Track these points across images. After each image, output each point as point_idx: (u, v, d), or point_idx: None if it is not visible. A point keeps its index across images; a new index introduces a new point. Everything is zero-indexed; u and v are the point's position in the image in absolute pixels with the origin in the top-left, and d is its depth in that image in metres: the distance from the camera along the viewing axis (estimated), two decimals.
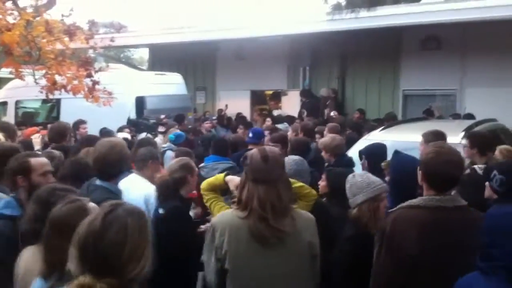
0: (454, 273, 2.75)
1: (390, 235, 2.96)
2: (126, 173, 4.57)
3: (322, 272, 3.22)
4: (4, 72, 11.74)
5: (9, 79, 14.25)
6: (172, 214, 4.08)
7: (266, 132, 8.02)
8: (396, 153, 4.43)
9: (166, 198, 4.22)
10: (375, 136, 7.54)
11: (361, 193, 3.67)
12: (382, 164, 4.92)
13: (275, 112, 16.04)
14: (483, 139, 5.89)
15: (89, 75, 9.06)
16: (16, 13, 8.69)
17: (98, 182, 4.01)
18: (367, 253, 3.18)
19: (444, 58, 13.72)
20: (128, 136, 8.42)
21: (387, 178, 4.82)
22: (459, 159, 3.05)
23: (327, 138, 6.38)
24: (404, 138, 6.67)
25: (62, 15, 8.97)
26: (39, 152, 5.32)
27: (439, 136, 5.55)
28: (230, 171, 5.32)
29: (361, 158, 5.56)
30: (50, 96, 9.44)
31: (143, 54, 31.50)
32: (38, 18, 8.88)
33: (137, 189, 4.58)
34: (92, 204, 2.66)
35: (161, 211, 4.13)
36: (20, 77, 9.05)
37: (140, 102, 12.56)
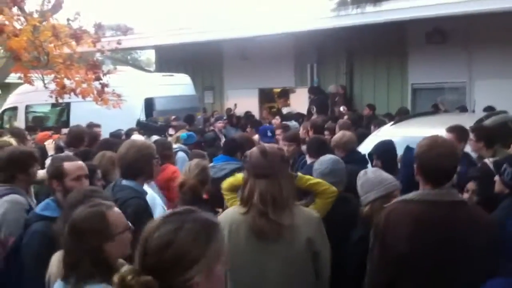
0: (452, 270, 2.76)
1: (383, 229, 2.93)
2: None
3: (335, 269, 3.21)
4: (13, 77, 11.83)
5: (18, 84, 14.35)
6: None
7: (278, 131, 8.01)
8: (408, 148, 4.41)
9: (192, 202, 4.22)
10: (385, 132, 7.52)
11: (373, 191, 3.64)
12: (398, 158, 4.91)
13: (284, 110, 16.03)
14: (490, 132, 5.89)
15: (98, 78, 9.09)
16: (22, 18, 8.73)
17: (123, 182, 4.01)
18: None
19: (450, 51, 13.63)
20: (142, 137, 8.44)
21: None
22: (452, 151, 2.99)
23: (337, 134, 6.35)
24: (415, 133, 6.63)
25: (68, 20, 9.00)
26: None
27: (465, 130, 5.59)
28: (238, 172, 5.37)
29: (371, 160, 5.54)
30: (60, 100, 9.49)
31: (150, 56, 31.56)
32: (44, 23, 8.91)
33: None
34: (116, 210, 2.70)
35: None
36: (29, 82, 9.09)
37: (149, 104, 12.60)
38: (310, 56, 16.11)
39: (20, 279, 3.39)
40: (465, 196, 3.98)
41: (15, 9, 8.95)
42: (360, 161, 5.65)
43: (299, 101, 16.00)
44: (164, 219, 1.89)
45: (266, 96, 18.14)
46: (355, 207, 3.87)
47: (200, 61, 17.73)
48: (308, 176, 3.84)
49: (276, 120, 11.66)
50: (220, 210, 4.04)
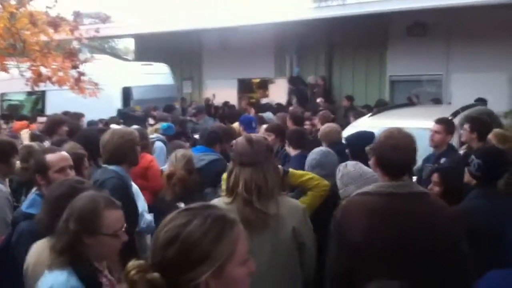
0: (411, 261, 2.73)
1: (340, 222, 2.90)
2: None
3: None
4: None
5: None
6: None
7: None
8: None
9: (183, 193, 4.21)
10: (363, 123, 7.57)
11: (353, 184, 3.62)
12: (367, 148, 4.89)
13: (263, 101, 16.03)
14: (484, 124, 5.94)
15: (75, 67, 9.00)
16: None
17: (109, 167, 4.13)
18: None
19: (430, 44, 13.73)
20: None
21: (370, 162, 4.85)
22: (407, 143, 2.92)
23: (323, 126, 6.33)
24: (392, 124, 6.68)
25: (46, 7, 8.89)
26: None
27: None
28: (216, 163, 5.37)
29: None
30: (36, 88, 9.36)
31: (128, 44, 31.25)
32: (22, 10, 8.79)
33: None
34: (115, 212, 2.62)
35: (182, 205, 4.09)
36: (5, 69, 8.97)
37: (126, 93, 12.52)
38: (289, 47, 16.11)
39: (12, 276, 3.33)
40: (430, 187, 4.05)
41: None
42: (341, 153, 5.67)
43: (278, 92, 16.00)
44: (177, 214, 1.81)
45: (245, 87, 18.10)
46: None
47: (179, 51, 17.62)
48: (300, 172, 3.83)
49: (251, 111, 11.61)
50: None
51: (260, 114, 9.87)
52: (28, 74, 9.00)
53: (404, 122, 6.23)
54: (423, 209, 2.83)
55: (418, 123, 6.07)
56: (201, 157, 5.63)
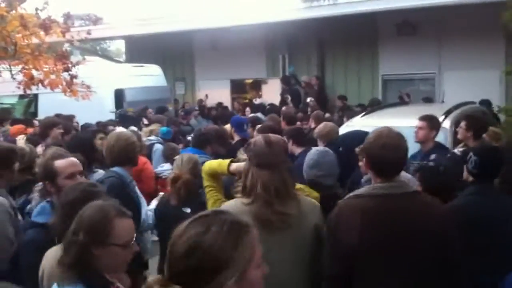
0: (406, 261, 2.73)
1: (335, 224, 2.89)
2: None
3: None
4: None
5: None
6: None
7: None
8: None
9: (187, 197, 4.18)
10: (356, 122, 7.58)
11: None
12: (357, 149, 4.89)
13: (257, 101, 16.02)
14: (480, 123, 5.96)
15: (67, 69, 8.95)
16: None
17: (112, 169, 4.35)
18: None
19: (421, 43, 13.79)
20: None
21: (361, 163, 4.84)
22: (397, 142, 2.89)
23: (320, 125, 6.33)
24: (385, 123, 6.69)
25: (37, 9, 8.84)
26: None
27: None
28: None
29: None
30: (28, 91, 9.32)
31: (120, 46, 31.18)
32: (12, 12, 8.73)
33: None
34: (126, 221, 2.53)
35: (188, 210, 4.08)
36: None
37: (119, 95, 12.47)
38: (281, 47, 16.11)
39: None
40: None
41: None
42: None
43: (271, 92, 16.00)
44: (190, 223, 1.78)
45: (238, 87, 18.10)
46: None
47: (171, 52, 17.59)
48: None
49: (247, 113, 11.63)
50: None
51: (254, 115, 9.86)
52: (20, 77, 8.95)
53: (397, 121, 6.27)
54: (416, 208, 2.83)
55: (411, 122, 6.07)
56: None
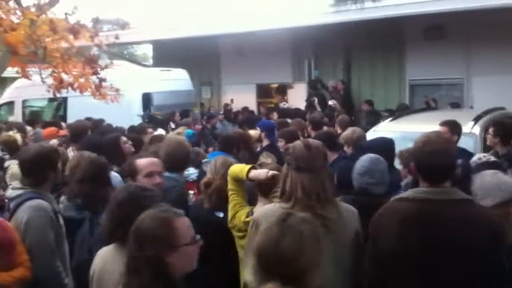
0: (443, 270, 2.67)
1: (375, 228, 2.89)
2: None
3: None
4: (10, 71, 11.76)
5: (14, 79, 14.27)
6: None
7: None
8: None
9: (219, 202, 4.15)
10: (383, 127, 7.51)
11: (489, 196, 3.25)
12: (397, 152, 4.83)
13: (283, 106, 15.98)
14: (507, 129, 5.88)
15: (95, 73, 9.07)
16: (19, 12, 8.69)
17: (167, 174, 4.38)
18: None
19: (448, 47, 13.62)
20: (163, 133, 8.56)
21: (400, 167, 4.77)
22: (445, 148, 2.87)
23: (348, 131, 6.27)
24: (413, 129, 6.63)
25: (66, 14, 8.97)
26: None
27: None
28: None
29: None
30: (58, 95, 9.46)
31: (146, 50, 31.41)
32: (42, 17, 8.88)
33: None
34: (185, 219, 2.50)
35: (221, 214, 4.07)
36: (26, 76, 9.06)
37: (146, 99, 12.57)
38: (307, 51, 16.07)
39: None
40: None
41: (11, 3, 8.92)
42: None
43: (297, 97, 15.97)
44: (280, 228, 1.94)
45: (263, 92, 18.10)
46: None
47: (197, 56, 17.67)
48: None
49: (274, 116, 11.60)
50: None
51: (282, 119, 9.81)
52: (50, 80, 9.09)
53: (425, 127, 6.17)
54: (459, 216, 2.76)
55: (437, 128, 6.00)
56: None
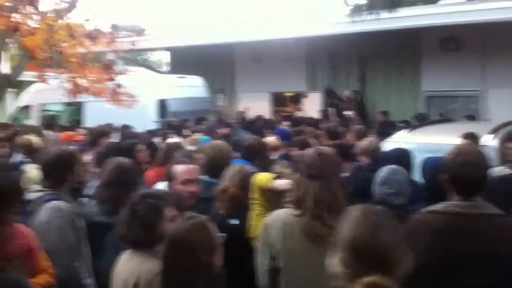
0: (472, 284, 2.64)
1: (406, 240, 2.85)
2: None
3: None
4: (27, 75, 11.87)
5: (31, 82, 14.37)
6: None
7: None
8: (429, 158, 4.30)
9: (236, 209, 4.15)
10: (401, 138, 7.44)
11: None
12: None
13: (298, 114, 15.95)
14: None
15: (111, 78, 9.13)
16: (36, 17, 8.77)
17: (207, 179, 4.46)
18: None
19: (464, 59, 13.56)
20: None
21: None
22: (478, 160, 2.83)
23: (365, 141, 6.22)
24: (431, 140, 6.58)
25: (86, 20, 9.05)
26: None
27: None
28: None
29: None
30: (74, 99, 9.52)
31: (161, 57, 31.63)
32: (59, 21, 8.95)
33: None
34: (210, 222, 2.60)
35: (236, 221, 4.06)
36: (43, 80, 9.14)
37: (162, 105, 12.61)
38: (322, 61, 16.08)
39: None
40: None
41: (29, 8, 9.01)
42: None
43: (311, 106, 15.94)
44: (373, 223, 2.06)
45: (277, 100, 18.10)
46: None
47: (212, 63, 17.72)
48: None
49: (285, 125, 11.53)
50: None
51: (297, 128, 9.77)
52: (67, 85, 9.16)
53: (443, 138, 6.14)
54: (490, 231, 2.71)
55: (455, 140, 5.95)
56: None
